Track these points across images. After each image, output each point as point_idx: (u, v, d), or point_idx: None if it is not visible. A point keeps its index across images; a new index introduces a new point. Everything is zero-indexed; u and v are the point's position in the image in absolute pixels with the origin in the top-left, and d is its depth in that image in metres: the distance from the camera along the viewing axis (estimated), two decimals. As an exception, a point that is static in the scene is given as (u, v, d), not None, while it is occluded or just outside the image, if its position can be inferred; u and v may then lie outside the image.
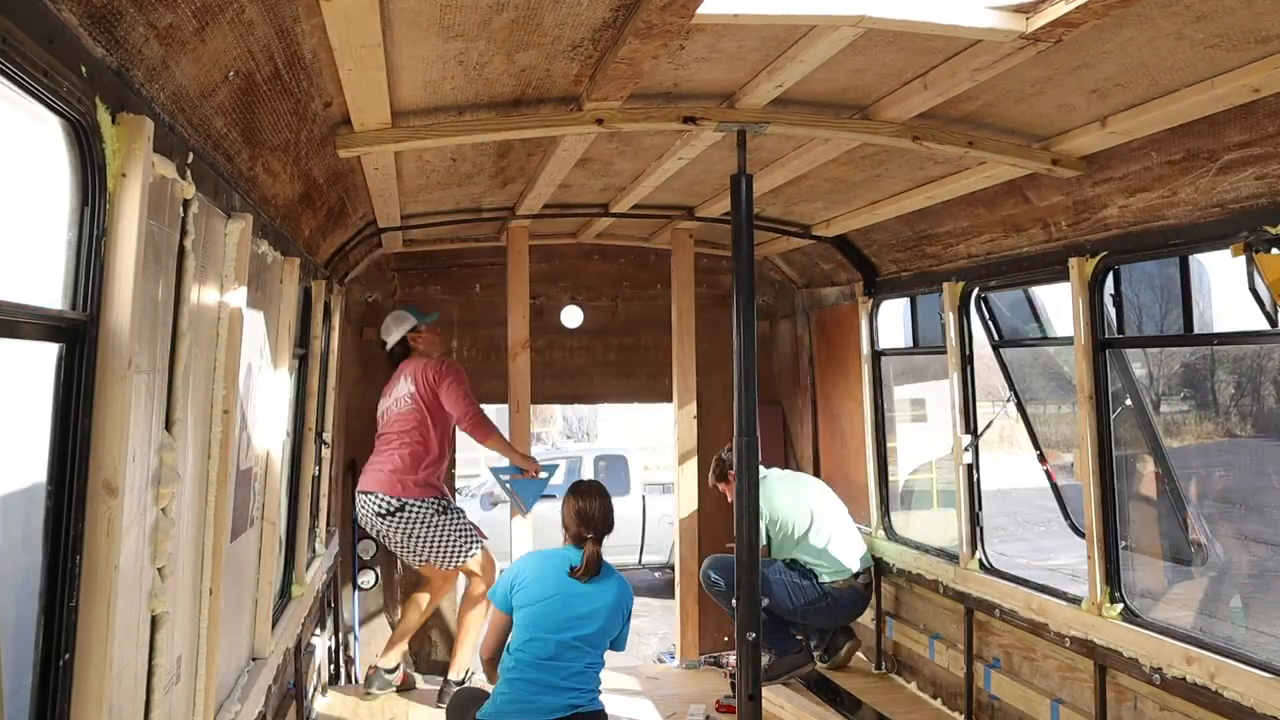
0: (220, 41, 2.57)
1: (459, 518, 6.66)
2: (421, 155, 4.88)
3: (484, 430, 6.67)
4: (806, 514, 6.73)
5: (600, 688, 4.94)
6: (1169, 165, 4.10)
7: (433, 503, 6.60)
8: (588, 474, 17.44)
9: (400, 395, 6.76)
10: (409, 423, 6.66)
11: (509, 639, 4.90)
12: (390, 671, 6.75)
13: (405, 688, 6.81)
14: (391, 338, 7.00)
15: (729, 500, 6.78)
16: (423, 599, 6.88)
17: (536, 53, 3.47)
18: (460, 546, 6.59)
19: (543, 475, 6.90)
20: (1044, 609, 5.21)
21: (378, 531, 6.69)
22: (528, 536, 6.97)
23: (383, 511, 6.58)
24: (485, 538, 6.73)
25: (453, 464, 7.35)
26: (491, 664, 5.00)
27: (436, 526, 6.57)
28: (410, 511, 6.55)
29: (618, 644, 5.00)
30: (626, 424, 31.22)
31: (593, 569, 4.86)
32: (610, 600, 4.87)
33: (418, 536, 6.55)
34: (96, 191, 2.18)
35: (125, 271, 2.24)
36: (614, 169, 5.55)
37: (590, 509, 4.97)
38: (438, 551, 6.58)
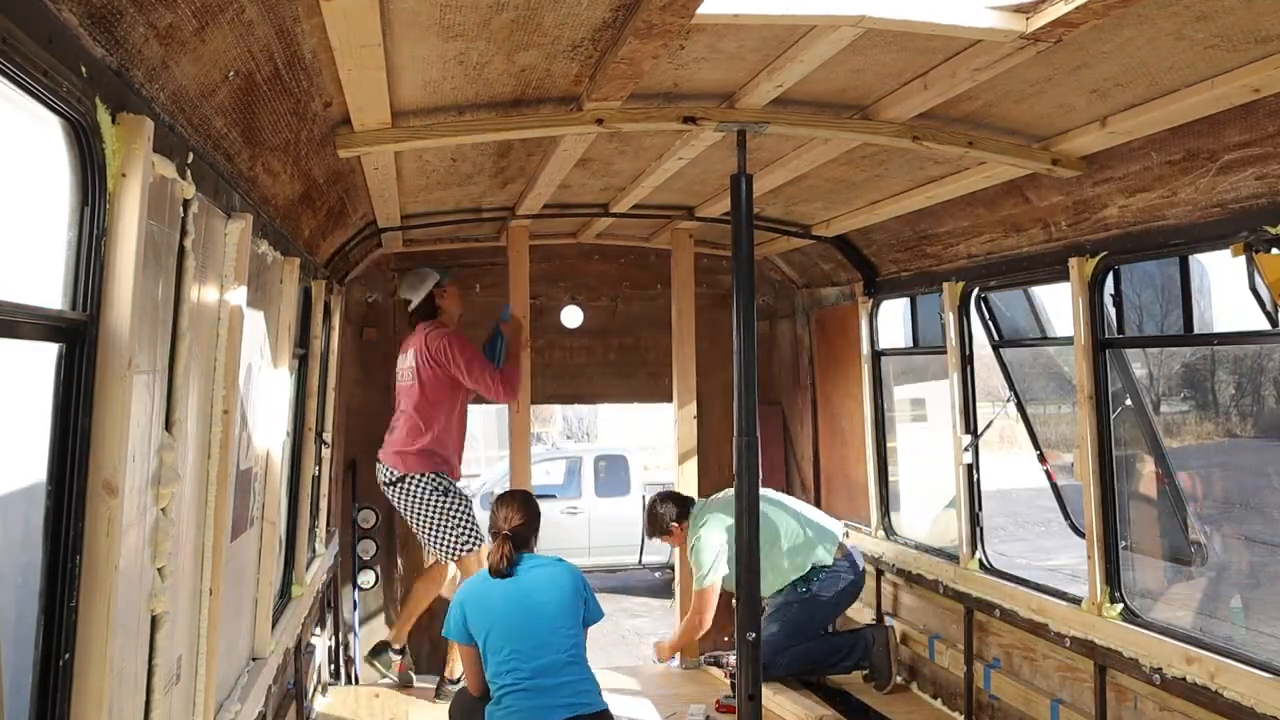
0: (220, 41, 2.57)
1: (459, 507, 6.58)
2: (421, 155, 4.88)
3: (509, 388, 6.66)
4: (773, 510, 6.62)
5: (597, 682, 4.94)
6: (1169, 165, 4.10)
7: (432, 479, 6.56)
8: (588, 474, 17.36)
9: (403, 368, 6.76)
10: (409, 397, 6.66)
11: (487, 668, 4.89)
12: (398, 652, 6.78)
13: (404, 685, 6.80)
14: (416, 296, 6.78)
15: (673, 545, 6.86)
16: (427, 583, 6.90)
17: (536, 53, 3.47)
18: (455, 538, 6.53)
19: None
20: (1044, 609, 5.20)
21: (390, 499, 6.76)
22: None
23: (386, 481, 6.68)
24: (482, 541, 6.62)
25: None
26: (485, 698, 4.98)
27: (434, 507, 6.54)
28: (409, 484, 6.57)
29: (592, 617, 5.07)
30: (626, 424, 31.19)
31: (500, 565, 4.98)
32: (566, 583, 4.97)
33: (414, 513, 6.59)
34: (96, 191, 2.18)
35: (125, 271, 2.24)
36: (614, 169, 5.55)
37: (502, 513, 5.17)
38: (430, 535, 6.57)
